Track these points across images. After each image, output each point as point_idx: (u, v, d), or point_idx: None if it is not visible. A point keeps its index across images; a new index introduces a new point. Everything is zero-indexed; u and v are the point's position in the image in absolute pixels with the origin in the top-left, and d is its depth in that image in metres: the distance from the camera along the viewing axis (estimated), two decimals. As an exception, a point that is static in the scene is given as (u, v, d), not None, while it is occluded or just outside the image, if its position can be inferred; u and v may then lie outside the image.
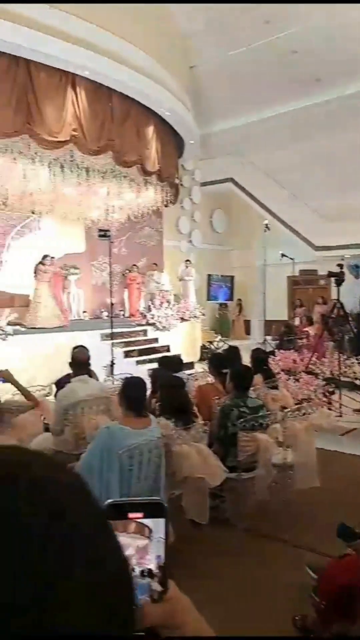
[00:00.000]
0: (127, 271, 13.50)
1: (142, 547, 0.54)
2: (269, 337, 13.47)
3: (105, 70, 8.33)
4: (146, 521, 0.54)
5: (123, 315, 12.84)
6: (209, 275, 15.90)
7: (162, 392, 3.89)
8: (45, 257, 10.33)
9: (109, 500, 0.53)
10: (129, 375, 6.12)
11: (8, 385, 4.39)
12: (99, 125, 8.63)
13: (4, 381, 4.23)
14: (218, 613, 2.49)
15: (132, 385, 3.18)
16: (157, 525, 0.55)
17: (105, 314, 13.19)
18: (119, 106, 9.02)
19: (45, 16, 7.34)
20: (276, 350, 10.17)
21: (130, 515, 0.54)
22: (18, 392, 5.00)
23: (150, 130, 9.96)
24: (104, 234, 7.75)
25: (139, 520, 0.54)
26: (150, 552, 0.55)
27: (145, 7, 9.11)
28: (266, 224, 13.85)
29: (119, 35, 8.51)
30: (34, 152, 8.66)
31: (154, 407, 3.98)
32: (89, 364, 4.66)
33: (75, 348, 4.94)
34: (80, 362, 4.54)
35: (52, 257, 10.53)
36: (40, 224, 12.59)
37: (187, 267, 14.01)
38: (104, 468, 2.91)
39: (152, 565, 0.54)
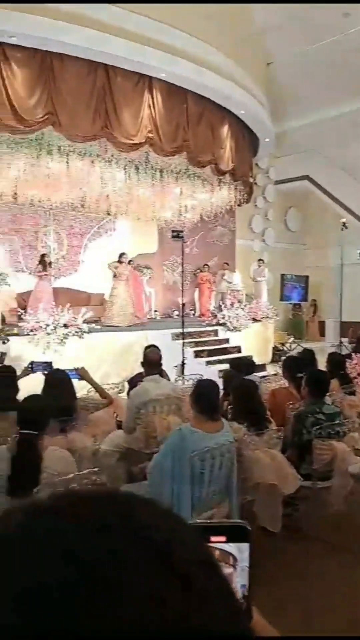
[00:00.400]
0: (198, 271, 13.53)
1: (227, 576, 0.51)
2: (345, 340, 13.00)
3: (181, 72, 8.38)
4: (230, 546, 0.51)
5: (193, 314, 12.87)
6: (283, 275, 15.59)
7: (234, 395, 3.84)
8: (122, 255, 10.51)
9: (191, 521, 0.50)
10: (199, 376, 6.15)
11: (83, 382, 4.50)
12: (174, 127, 8.70)
13: (80, 378, 4.34)
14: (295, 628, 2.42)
15: (204, 388, 3.15)
16: (242, 551, 0.51)
17: (176, 313, 13.31)
18: (193, 106, 9.05)
19: (124, 20, 7.49)
20: (353, 354, 9.79)
21: (213, 538, 0.51)
22: (93, 389, 5.13)
23: (225, 130, 9.92)
24: (177, 234, 7.79)
25: (222, 544, 0.51)
26: (234, 581, 0.51)
27: (219, 5, 9.06)
28: (343, 222, 13.37)
29: (194, 36, 8.53)
30: (111, 155, 8.86)
31: (225, 410, 3.94)
32: (160, 364, 4.69)
33: (147, 348, 4.99)
34: (152, 362, 4.58)
35: (127, 257, 10.72)
36: (115, 224, 12.89)
37: (259, 266, 13.82)
38: (175, 470, 2.90)
39: (237, 595, 0.51)
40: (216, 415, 3.13)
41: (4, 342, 7.26)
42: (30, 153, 8.43)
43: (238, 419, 3.58)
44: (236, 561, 0.52)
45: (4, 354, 7.20)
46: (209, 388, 3.17)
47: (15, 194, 9.98)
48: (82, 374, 4.29)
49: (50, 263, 10.18)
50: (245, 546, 0.52)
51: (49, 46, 7.28)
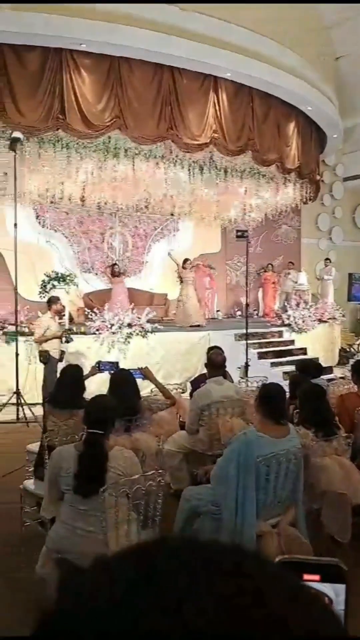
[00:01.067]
0: (262, 270, 13.35)
1: None
2: None
3: (247, 70, 8.30)
4: (325, 587, 0.47)
5: (257, 315, 12.72)
6: (350, 275, 15.08)
7: (302, 399, 3.73)
8: (185, 260, 10.66)
9: (281, 557, 0.47)
10: (264, 379, 6.06)
11: (146, 381, 4.53)
12: (239, 126, 8.64)
13: (144, 378, 4.38)
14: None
15: (271, 391, 3.09)
16: (338, 593, 0.47)
17: (239, 313, 13.20)
18: (259, 104, 8.96)
19: (189, 22, 7.50)
20: None
21: (306, 577, 0.48)
22: (156, 389, 5.17)
23: (291, 127, 9.74)
24: (241, 234, 7.72)
25: (316, 584, 0.47)
26: None
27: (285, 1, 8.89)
28: None
29: (260, 34, 8.42)
30: (175, 156, 8.91)
31: (292, 414, 3.84)
32: (224, 366, 4.65)
33: (211, 349, 4.96)
34: (215, 363, 4.54)
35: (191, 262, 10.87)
36: (179, 225, 12.95)
37: (326, 265, 13.45)
38: (240, 475, 2.86)
39: None
40: (283, 420, 3.06)
41: (67, 341, 7.46)
42: (98, 157, 8.62)
43: (305, 424, 3.48)
44: (331, 603, 0.48)
45: (63, 352, 7.39)
46: (276, 392, 3.10)
47: (83, 197, 10.25)
48: (146, 374, 4.32)
49: (119, 273, 10.44)
50: (341, 588, 0.48)
51: (116, 51, 7.42)
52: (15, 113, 7.24)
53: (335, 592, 0.48)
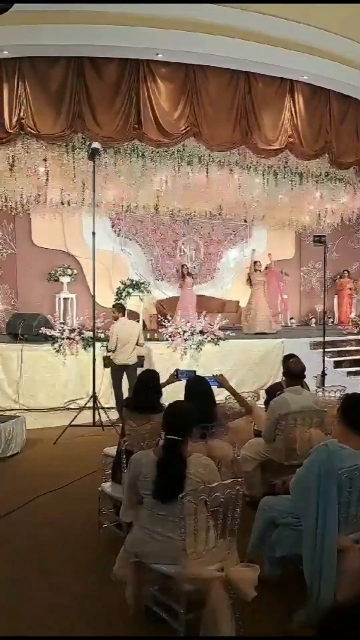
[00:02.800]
0: (338, 276, 12.97)
1: None
2: None
3: (324, 72, 8.14)
4: None
5: (332, 322, 12.35)
6: None
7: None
8: (255, 262, 10.58)
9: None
10: (342, 388, 5.85)
11: (220, 389, 4.50)
12: (316, 129, 8.48)
13: (219, 385, 4.35)
14: None
15: (355, 402, 2.97)
16: None
17: (313, 320, 12.88)
18: (337, 106, 8.75)
19: (265, 26, 7.46)
20: None
21: None
22: (231, 396, 5.13)
23: (370, 128, 9.41)
24: (319, 239, 7.52)
25: None
26: None
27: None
28: None
29: (337, 34, 8.21)
30: (249, 162, 8.86)
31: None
32: (303, 375, 4.54)
33: (288, 358, 4.85)
34: (294, 373, 4.44)
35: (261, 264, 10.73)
36: (252, 231, 12.86)
37: None
38: (321, 487, 2.76)
39: None
40: (366, 432, 2.93)
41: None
42: (172, 165, 8.74)
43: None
44: None
45: (141, 357, 7.49)
46: (359, 402, 2.98)
47: (157, 205, 10.41)
48: (221, 381, 4.30)
49: (188, 274, 10.51)
50: None
51: (192, 59, 7.51)
52: (94, 124, 7.49)
53: None
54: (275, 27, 7.55)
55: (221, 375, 4.45)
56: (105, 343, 7.65)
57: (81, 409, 7.00)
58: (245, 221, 12.35)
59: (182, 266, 11.23)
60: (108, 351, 7.29)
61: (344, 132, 8.89)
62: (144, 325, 10.02)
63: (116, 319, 7.32)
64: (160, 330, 8.99)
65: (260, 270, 10.60)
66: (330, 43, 8.07)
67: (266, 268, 11.03)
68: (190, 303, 10.17)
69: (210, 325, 8.84)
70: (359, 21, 8.53)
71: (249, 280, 10.76)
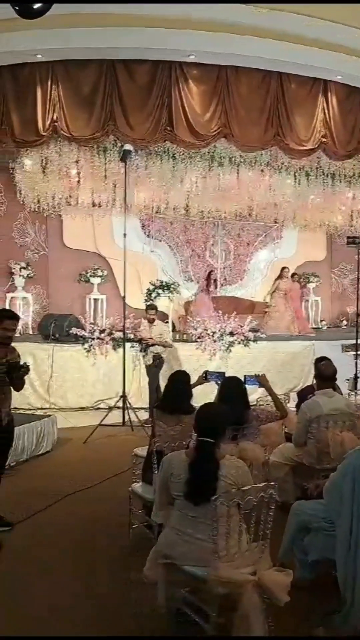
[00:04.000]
0: (370, 279, 12.74)
1: None
2: None
3: (358, 72, 7.99)
4: None
5: (364, 325, 12.13)
6: None
7: None
8: (283, 269, 10.66)
9: None
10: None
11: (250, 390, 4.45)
12: (350, 129, 8.35)
13: (260, 385, 4.33)
14: None
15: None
16: None
17: (344, 323, 12.68)
18: (371, 106, 8.58)
19: (297, 26, 7.37)
20: None
21: None
22: (263, 399, 5.09)
23: None
24: (352, 240, 7.43)
25: None
26: None
27: None
28: None
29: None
30: (281, 163, 8.79)
31: None
32: (334, 378, 4.48)
33: (320, 360, 4.79)
34: (326, 375, 4.39)
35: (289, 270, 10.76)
36: (282, 232, 12.74)
37: None
38: (356, 492, 2.72)
39: None
40: None
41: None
42: (202, 166, 8.73)
43: None
44: None
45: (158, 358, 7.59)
46: (394, 406, 2.92)
47: (187, 206, 10.42)
48: (263, 382, 4.28)
49: (215, 280, 10.51)
50: None
51: (224, 60, 7.48)
52: (126, 126, 7.54)
53: None
54: (307, 27, 7.43)
55: (263, 375, 4.43)
56: (134, 344, 7.71)
57: (111, 408, 7.06)
58: (275, 222, 12.24)
59: (212, 272, 11.12)
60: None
61: (378, 132, 8.74)
62: (174, 327, 10.05)
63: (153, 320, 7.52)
64: (189, 331, 8.98)
65: (285, 278, 10.65)
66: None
67: (292, 276, 11.07)
68: (205, 306, 10.17)
69: (240, 326, 8.80)
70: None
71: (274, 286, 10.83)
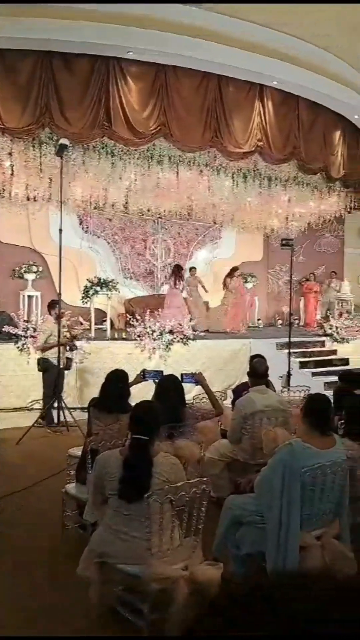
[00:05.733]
0: (304, 279, 13.19)
1: None
2: None
3: (293, 79, 8.25)
4: None
5: (298, 324, 12.55)
6: (395, 285, 14.71)
7: (348, 411, 3.65)
8: (234, 269, 10.84)
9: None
10: (306, 388, 5.95)
11: (187, 388, 4.50)
12: (285, 134, 8.60)
13: (196, 383, 4.36)
14: None
15: (318, 403, 3.03)
16: None
17: (279, 322, 13.06)
18: (305, 113, 8.88)
19: (236, 30, 7.51)
20: None
21: None
22: (198, 397, 5.15)
23: (337, 135, 9.61)
24: (286, 243, 7.65)
25: None
26: None
27: (332, 8, 8.75)
28: None
29: (308, 41, 8.34)
30: (219, 164, 8.91)
31: (336, 425, 3.75)
32: (267, 375, 4.60)
33: (253, 358, 4.91)
34: (258, 372, 4.50)
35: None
36: (221, 233, 12.94)
37: (369, 276, 13.19)
38: (285, 486, 2.81)
39: None
40: (328, 431, 3.00)
41: (71, 350, 7.25)
42: (142, 164, 8.71)
43: (351, 436, 3.40)
44: None
45: (69, 359, 7.24)
46: (323, 403, 3.04)
47: (126, 203, 10.36)
48: (200, 380, 4.32)
49: (182, 276, 10.45)
50: None
51: (163, 59, 7.49)
52: (62, 120, 7.39)
53: None
54: (246, 32, 7.61)
55: (200, 373, 4.47)
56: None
57: (45, 408, 6.90)
58: (214, 223, 12.41)
59: (178, 266, 10.79)
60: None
61: (312, 138, 9.04)
62: (112, 325, 9.96)
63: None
64: (128, 329, 8.94)
65: (235, 277, 10.84)
66: (300, 50, 8.19)
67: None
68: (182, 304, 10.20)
69: (180, 325, 8.85)
70: (328, 30, 8.71)
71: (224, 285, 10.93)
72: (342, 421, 3.78)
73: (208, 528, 2.72)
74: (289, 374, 7.89)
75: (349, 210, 11.22)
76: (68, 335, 7.13)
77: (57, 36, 6.91)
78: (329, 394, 4.57)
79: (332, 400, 3.81)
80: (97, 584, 2.66)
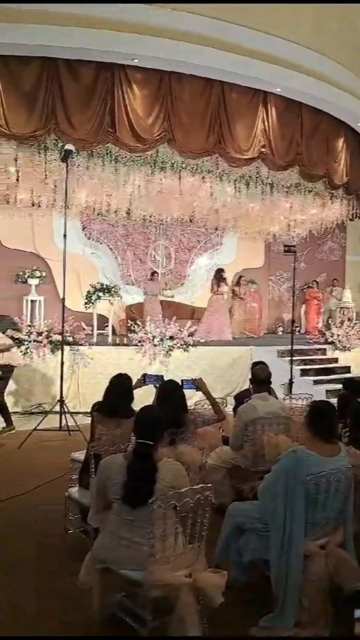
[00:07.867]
0: (305, 287, 13.20)
1: None
2: None
3: (297, 85, 8.28)
4: None
5: (299, 331, 12.55)
6: None
7: (352, 419, 3.64)
8: (220, 271, 10.87)
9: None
10: (308, 396, 5.94)
11: (189, 394, 4.49)
12: (288, 141, 8.62)
13: (197, 389, 4.35)
14: None
15: (322, 410, 3.02)
16: None
17: (280, 329, 13.06)
18: (308, 120, 8.90)
19: (240, 37, 7.55)
20: None
21: None
22: (201, 402, 5.14)
23: (340, 143, 9.63)
24: (289, 249, 7.66)
25: None
26: None
27: (334, 16, 8.81)
28: None
29: (310, 48, 8.39)
30: (222, 170, 8.94)
31: (340, 434, 3.75)
32: (270, 382, 4.60)
33: (255, 365, 4.91)
34: (261, 379, 4.50)
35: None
36: (222, 239, 12.96)
37: (371, 283, 13.20)
38: (289, 493, 2.80)
39: None
40: (333, 439, 2.99)
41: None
42: (145, 170, 8.73)
43: (355, 443, 3.39)
44: None
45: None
46: (327, 410, 3.03)
47: (129, 209, 10.38)
48: (200, 385, 4.31)
49: (225, 280, 10.63)
50: None
51: (167, 66, 7.53)
52: (67, 126, 7.41)
53: None
54: (249, 38, 7.65)
55: (200, 379, 4.47)
56: (73, 347, 7.57)
57: (47, 413, 6.90)
58: (216, 229, 12.43)
59: (221, 270, 10.94)
60: None
61: (314, 145, 9.06)
62: (113, 330, 9.99)
63: None
64: (129, 335, 8.95)
65: (223, 279, 10.87)
66: (304, 57, 8.22)
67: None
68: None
69: (180, 331, 8.86)
70: (330, 36, 8.78)
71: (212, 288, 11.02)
72: (346, 429, 3.77)
73: (209, 535, 2.71)
74: (291, 382, 7.89)
75: (350, 217, 11.23)
76: None
77: (61, 43, 6.94)
78: (332, 401, 4.58)
79: (336, 408, 3.81)
80: (99, 590, 2.65)
